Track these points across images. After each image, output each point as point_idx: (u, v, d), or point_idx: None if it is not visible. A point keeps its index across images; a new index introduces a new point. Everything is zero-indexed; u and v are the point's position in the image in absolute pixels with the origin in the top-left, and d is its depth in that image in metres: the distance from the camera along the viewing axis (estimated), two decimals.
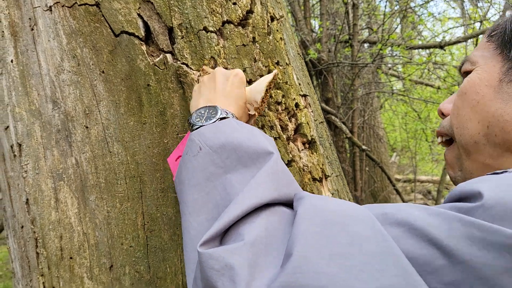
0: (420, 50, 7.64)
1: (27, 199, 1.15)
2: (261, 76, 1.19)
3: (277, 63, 1.26)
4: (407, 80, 7.09)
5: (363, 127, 6.25)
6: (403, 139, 10.12)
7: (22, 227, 1.18)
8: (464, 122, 0.81)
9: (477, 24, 5.82)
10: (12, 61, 1.15)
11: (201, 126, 0.85)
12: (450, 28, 9.16)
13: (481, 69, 0.79)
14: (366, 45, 6.57)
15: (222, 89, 0.95)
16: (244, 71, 1.17)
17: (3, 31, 1.15)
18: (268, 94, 1.01)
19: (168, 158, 1.03)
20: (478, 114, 0.78)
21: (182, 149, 0.99)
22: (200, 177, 0.76)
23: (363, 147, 4.33)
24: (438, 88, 8.12)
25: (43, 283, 1.14)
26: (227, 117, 0.86)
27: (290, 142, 1.22)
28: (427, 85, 8.62)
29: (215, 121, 0.85)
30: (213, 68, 1.13)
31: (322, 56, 4.71)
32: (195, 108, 0.94)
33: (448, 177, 10.22)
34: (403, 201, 5.47)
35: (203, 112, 0.89)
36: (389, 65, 7.79)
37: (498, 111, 0.74)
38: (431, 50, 6.59)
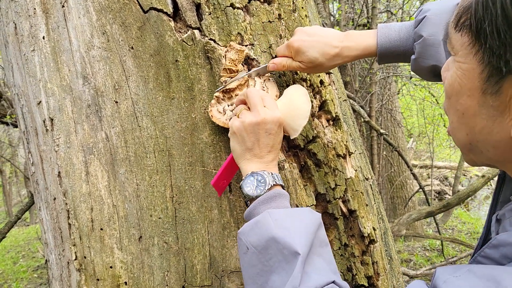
0: None
1: (59, 172, 1.19)
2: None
3: None
4: None
5: (380, 111, 6.20)
6: (421, 124, 10.02)
7: (55, 199, 1.22)
8: (454, 130, 0.72)
9: None
10: (43, 37, 1.18)
11: (252, 197, 0.96)
12: None
13: (460, 67, 0.65)
14: None
15: (266, 144, 1.00)
16: (269, 47, 1.18)
17: (34, 8, 1.18)
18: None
19: (212, 181, 1.06)
20: (465, 126, 0.68)
21: (226, 175, 1.07)
22: (252, 272, 0.87)
23: (381, 131, 4.30)
24: None
25: (75, 252, 1.18)
26: (276, 184, 0.97)
27: (315, 119, 1.23)
28: None
29: (264, 192, 0.95)
30: (240, 44, 1.14)
31: None
32: (240, 160, 1.02)
33: (466, 164, 10.11)
34: (420, 186, 5.44)
35: (252, 180, 0.96)
36: None
37: (485, 129, 0.65)
38: None
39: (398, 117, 7.13)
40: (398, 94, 7.98)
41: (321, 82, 1.29)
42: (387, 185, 7.16)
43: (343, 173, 1.25)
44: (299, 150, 1.19)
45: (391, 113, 6.68)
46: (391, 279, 1.35)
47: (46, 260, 1.36)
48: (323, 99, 1.28)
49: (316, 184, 1.19)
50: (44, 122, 1.21)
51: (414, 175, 5.20)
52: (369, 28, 5.16)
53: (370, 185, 1.42)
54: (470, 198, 11.23)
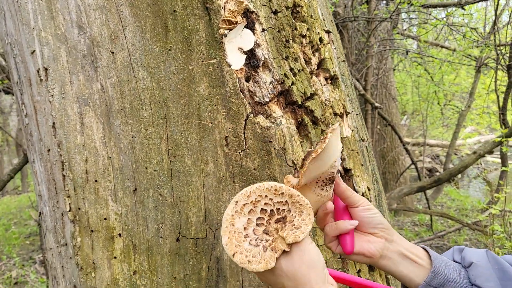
0: (438, 12, 7.46)
1: (54, 123, 1.17)
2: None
3: None
4: (422, 41, 6.96)
5: (376, 86, 6.19)
6: (415, 102, 10.04)
7: (49, 150, 1.20)
8: None
9: None
10: None
11: None
12: None
13: None
14: (383, 3, 6.42)
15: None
16: (269, 1, 1.16)
17: None
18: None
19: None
20: None
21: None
22: None
23: (376, 104, 4.30)
24: (454, 50, 7.98)
25: (69, 204, 1.18)
26: None
27: (313, 76, 1.22)
28: (442, 47, 8.46)
29: None
30: None
31: (338, 10, 4.61)
32: None
33: (458, 142, 10.19)
34: (412, 161, 5.49)
35: None
36: (405, 26, 7.63)
37: None
38: (450, 9, 6.44)
39: (393, 92, 7.13)
40: (394, 70, 7.96)
41: (320, 39, 1.27)
42: (380, 160, 7.20)
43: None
44: (297, 107, 1.18)
45: (386, 87, 6.67)
46: None
47: (40, 212, 1.36)
48: (321, 57, 1.27)
49: (313, 141, 1.18)
50: (38, 72, 1.18)
51: (406, 150, 5.24)
52: (367, 1, 5.10)
53: (366, 146, 1.42)
54: (460, 176, 11.36)
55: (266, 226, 0.88)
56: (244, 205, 0.88)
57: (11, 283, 5.40)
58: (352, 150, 1.27)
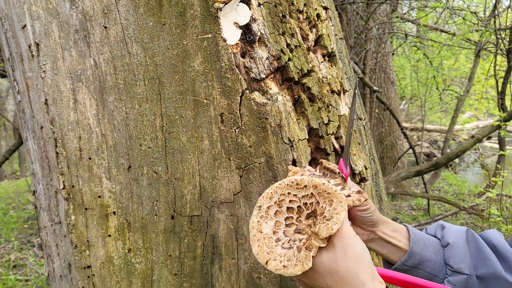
0: None
1: (46, 100, 1.15)
2: None
3: None
4: (422, 25, 6.91)
5: (374, 70, 6.15)
6: (413, 87, 10.01)
7: (42, 127, 1.19)
8: None
9: None
10: None
11: None
12: None
13: None
14: None
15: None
16: None
17: None
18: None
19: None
20: None
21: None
22: None
23: (375, 88, 4.28)
24: (454, 34, 7.92)
25: (63, 182, 1.17)
26: None
27: (310, 53, 1.20)
28: (442, 31, 8.41)
29: None
30: None
31: None
32: None
33: (456, 127, 10.19)
34: (410, 145, 5.48)
35: None
36: (405, 10, 7.56)
37: None
38: None
39: (392, 77, 7.09)
40: (393, 55, 7.90)
41: (318, 15, 1.25)
42: (378, 145, 7.20)
43: (336, 109, 1.23)
44: (294, 84, 1.17)
45: (385, 71, 6.64)
46: None
47: (34, 191, 1.34)
48: (319, 33, 1.24)
49: (309, 119, 1.17)
50: (29, 47, 1.16)
51: (404, 134, 5.23)
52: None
53: (363, 125, 1.41)
54: (458, 162, 11.38)
55: (297, 224, 0.82)
56: (268, 207, 0.83)
57: (9, 266, 5.43)
58: None
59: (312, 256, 0.77)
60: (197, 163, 1.11)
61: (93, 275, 1.16)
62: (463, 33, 6.85)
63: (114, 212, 1.14)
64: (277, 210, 0.83)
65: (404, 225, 1.11)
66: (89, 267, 1.17)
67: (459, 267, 1.01)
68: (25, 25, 1.16)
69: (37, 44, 1.14)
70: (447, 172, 10.08)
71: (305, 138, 1.16)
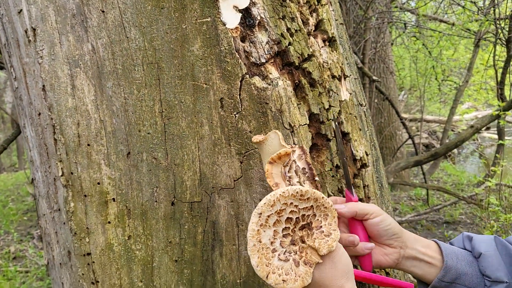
0: None
1: (44, 86, 1.14)
2: None
3: None
4: (421, 15, 6.87)
5: (374, 59, 6.13)
6: (412, 78, 9.98)
7: (39, 114, 1.17)
8: None
9: None
10: None
11: None
12: None
13: None
14: None
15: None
16: None
17: None
18: None
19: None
20: None
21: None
22: None
23: (374, 77, 4.26)
24: (453, 24, 7.88)
25: (61, 168, 1.15)
26: None
27: (311, 37, 1.19)
28: (441, 21, 8.37)
29: None
30: None
31: None
32: None
33: (455, 118, 10.18)
34: (409, 135, 5.47)
35: None
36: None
37: None
38: None
39: (391, 67, 7.07)
40: (392, 45, 7.87)
41: (318, 0, 1.23)
42: (377, 135, 7.19)
43: (337, 94, 1.22)
44: (294, 69, 1.15)
45: (384, 61, 6.61)
46: (381, 205, 1.35)
47: (32, 178, 1.33)
48: (319, 17, 1.23)
49: (310, 104, 1.16)
50: (26, 32, 1.14)
51: (403, 124, 5.22)
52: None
53: (364, 111, 1.40)
54: (456, 152, 11.38)
55: (291, 235, 0.82)
56: (268, 216, 0.81)
57: (9, 258, 5.43)
58: (350, 114, 1.25)
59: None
60: (197, 148, 1.10)
61: (93, 262, 1.16)
62: (463, 23, 6.82)
63: (113, 199, 1.13)
64: (276, 220, 0.81)
65: (433, 240, 1.09)
66: (88, 254, 1.16)
67: (497, 276, 0.99)
68: (21, 10, 1.14)
69: (34, 29, 1.13)
70: (446, 162, 10.09)
71: (306, 124, 1.15)
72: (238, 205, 1.11)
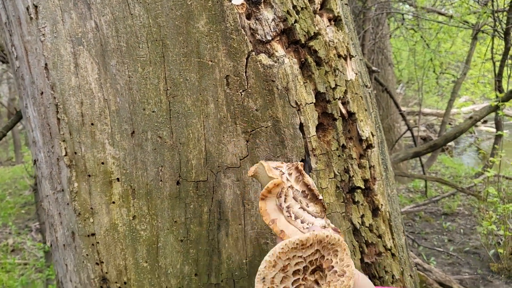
0: None
1: (46, 64, 1.12)
2: None
3: None
4: (420, 7, 6.86)
5: (373, 50, 6.12)
6: (410, 71, 9.97)
7: (42, 93, 1.16)
8: None
9: None
10: None
11: None
12: None
13: None
14: None
15: None
16: None
17: None
18: None
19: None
20: None
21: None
22: None
23: (373, 68, 4.25)
24: (451, 17, 7.88)
25: (65, 148, 1.14)
26: None
27: (317, 16, 1.17)
28: (439, 13, 8.36)
29: None
30: None
31: None
32: None
33: (452, 111, 10.19)
34: (408, 127, 5.46)
35: None
36: None
37: None
38: None
39: (390, 58, 7.06)
40: (390, 37, 7.86)
41: None
42: None
43: (343, 74, 1.21)
44: (300, 47, 1.14)
45: (383, 52, 6.60)
46: (386, 187, 1.34)
47: (35, 160, 1.32)
48: None
49: (316, 83, 1.14)
50: (27, 9, 1.13)
51: (402, 115, 5.21)
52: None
53: (369, 93, 1.39)
54: (454, 145, 11.41)
55: (304, 284, 0.78)
56: (273, 277, 0.75)
57: (8, 251, 5.42)
58: (356, 94, 1.24)
59: None
60: (202, 127, 1.09)
61: (97, 242, 1.15)
62: (461, 15, 6.81)
63: (118, 179, 1.12)
64: (283, 277, 0.77)
65: None
66: (93, 234, 1.15)
67: None
68: None
69: (36, 6, 1.11)
70: (444, 155, 10.11)
71: (312, 102, 1.14)
72: (244, 184, 1.10)
